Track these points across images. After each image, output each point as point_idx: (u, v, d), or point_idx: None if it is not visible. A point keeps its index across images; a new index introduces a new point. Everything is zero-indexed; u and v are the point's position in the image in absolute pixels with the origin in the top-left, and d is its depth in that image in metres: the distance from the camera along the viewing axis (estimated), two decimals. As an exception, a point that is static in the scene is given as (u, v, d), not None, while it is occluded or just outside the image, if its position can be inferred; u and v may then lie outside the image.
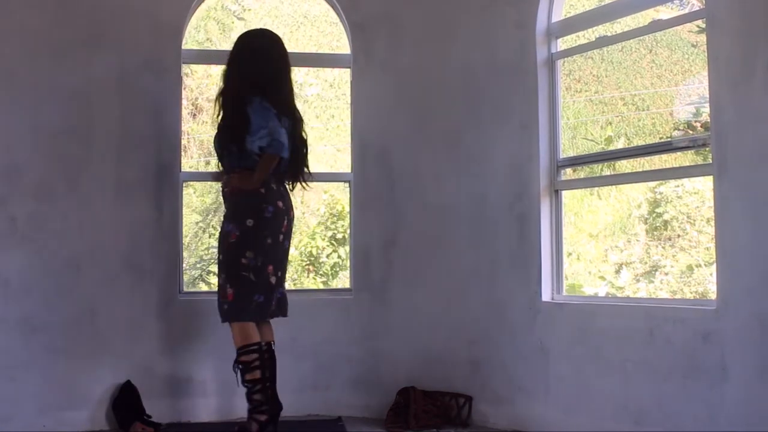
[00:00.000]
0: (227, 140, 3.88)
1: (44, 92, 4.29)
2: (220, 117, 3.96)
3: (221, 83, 4.02)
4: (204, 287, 8.35)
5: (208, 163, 8.71)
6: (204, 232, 8.77)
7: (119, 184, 4.36)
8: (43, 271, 4.22)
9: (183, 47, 4.55)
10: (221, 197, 4.06)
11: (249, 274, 3.80)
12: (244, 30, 4.27)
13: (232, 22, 9.77)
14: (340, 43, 9.34)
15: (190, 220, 8.23)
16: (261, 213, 3.81)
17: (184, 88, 4.79)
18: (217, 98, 4.01)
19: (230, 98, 3.91)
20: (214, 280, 8.25)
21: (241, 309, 3.81)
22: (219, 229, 3.98)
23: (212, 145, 4.08)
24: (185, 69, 5.13)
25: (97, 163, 4.34)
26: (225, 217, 3.93)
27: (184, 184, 4.60)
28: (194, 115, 9.18)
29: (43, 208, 4.24)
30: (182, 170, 4.54)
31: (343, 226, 8.64)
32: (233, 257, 3.81)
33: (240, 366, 3.80)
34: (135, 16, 4.43)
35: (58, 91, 4.31)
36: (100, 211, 4.33)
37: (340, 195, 8.73)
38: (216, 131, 3.97)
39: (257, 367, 3.78)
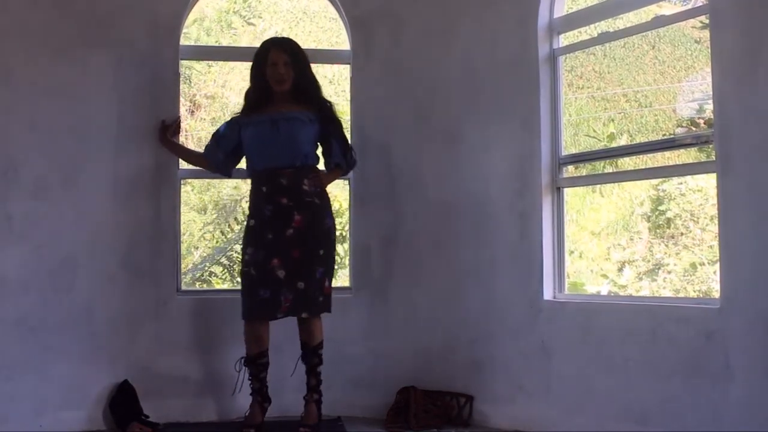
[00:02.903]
0: (340, 147, 4.17)
1: (41, 89, 4.25)
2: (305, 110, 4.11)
3: (309, 82, 4.15)
4: (212, 285, 8.31)
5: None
6: (217, 229, 8.66)
7: (117, 182, 4.32)
8: (39, 269, 4.18)
9: (181, 44, 4.51)
10: (283, 189, 3.99)
11: None
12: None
13: (242, 25, 9.75)
14: (340, 39, 9.31)
15: (188, 217, 8.19)
16: None
17: (182, 84, 4.75)
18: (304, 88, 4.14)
19: (328, 106, 4.18)
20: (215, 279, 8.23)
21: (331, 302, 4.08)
22: (304, 224, 3.97)
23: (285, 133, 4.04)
24: (183, 65, 5.09)
25: (94, 160, 4.30)
26: (320, 211, 4.02)
27: (182, 182, 4.56)
28: (192, 112, 9.16)
29: (40, 206, 4.21)
30: (180, 167, 4.50)
31: (341, 223, 8.59)
32: (334, 252, 4.06)
33: (318, 359, 4.07)
34: (132, 12, 4.39)
35: (55, 88, 4.27)
36: (98, 209, 4.29)
37: (339, 192, 8.68)
38: (313, 125, 4.09)
39: None
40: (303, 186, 3.98)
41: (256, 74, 4.13)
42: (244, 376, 4.06)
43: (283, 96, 4.10)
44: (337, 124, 4.17)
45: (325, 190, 4.12)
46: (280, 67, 4.04)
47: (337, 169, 4.22)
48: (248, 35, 9.19)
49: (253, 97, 4.16)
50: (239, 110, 4.25)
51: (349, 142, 4.27)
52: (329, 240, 4.04)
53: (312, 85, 4.15)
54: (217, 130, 4.28)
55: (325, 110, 4.14)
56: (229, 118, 4.31)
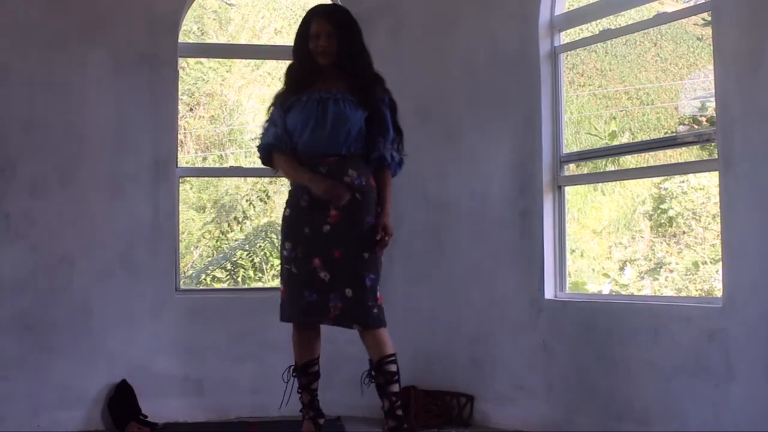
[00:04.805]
0: (382, 130, 3.57)
1: (38, 86, 4.25)
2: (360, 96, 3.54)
3: (357, 55, 3.55)
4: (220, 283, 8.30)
5: (204, 158, 8.63)
6: (217, 228, 8.63)
7: (114, 180, 4.31)
8: (36, 268, 4.18)
9: (179, 40, 4.50)
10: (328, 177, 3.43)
11: None
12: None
13: (230, 18, 9.73)
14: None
15: (186, 216, 8.19)
16: None
17: (181, 82, 4.72)
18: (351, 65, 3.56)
19: (378, 83, 3.59)
20: (219, 278, 8.23)
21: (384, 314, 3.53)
22: (340, 221, 3.43)
23: (333, 111, 3.48)
24: (182, 62, 5.07)
25: (91, 158, 4.29)
26: (361, 209, 3.46)
27: (180, 180, 4.56)
28: (191, 109, 9.15)
29: (37, 204, 4.20)
30: (179, 165, 4.49)
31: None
32: (378, 255, 3.50)
33: (385, 378, 3.53)
34: (130, 8, 4.38)
35: (53, 85, 4.26)
36: (95, 207, 4.28)
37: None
38: (367, 110, 3.53)
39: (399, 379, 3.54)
40: (345, 178, 3.44)
41: (298, 48, 3.58)
42: (292, 387, 3.67)
43: (329, 70, 3.55)
44: (387, 104, 3.59)
45: (371, 183, 3.53)
46: (322, 39, 3.48)
47: (382, 171, 3.62)
48: (247, 32, 9.16)
49: (296, 74, 3.61)
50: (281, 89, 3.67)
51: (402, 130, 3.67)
52: (373, 241, 3.46)
53: (360, 59, 3.56)
54: (272, 119, 3.60)
55: (373, 87, 3.56)
56: (271, 101, 3.67)
